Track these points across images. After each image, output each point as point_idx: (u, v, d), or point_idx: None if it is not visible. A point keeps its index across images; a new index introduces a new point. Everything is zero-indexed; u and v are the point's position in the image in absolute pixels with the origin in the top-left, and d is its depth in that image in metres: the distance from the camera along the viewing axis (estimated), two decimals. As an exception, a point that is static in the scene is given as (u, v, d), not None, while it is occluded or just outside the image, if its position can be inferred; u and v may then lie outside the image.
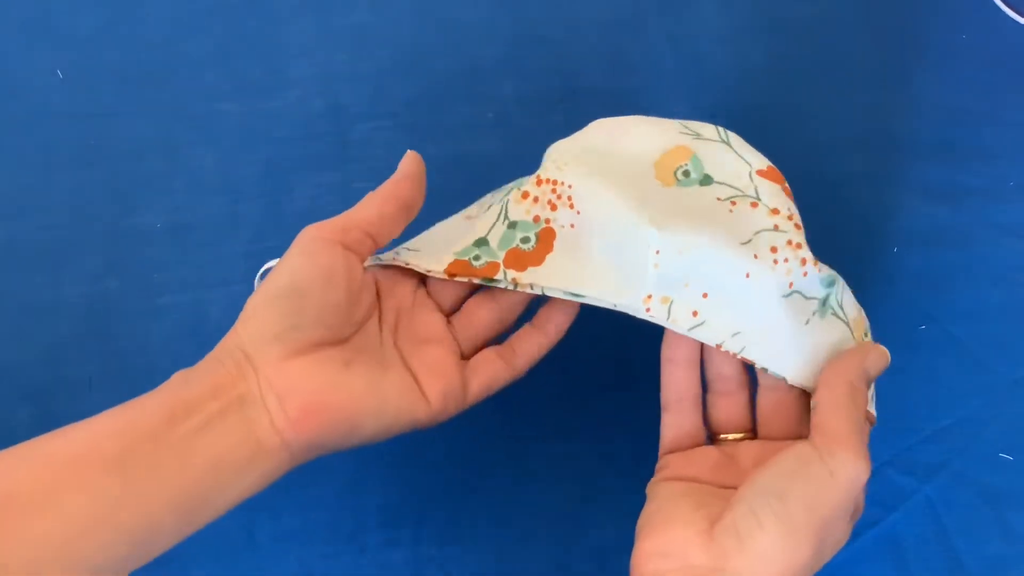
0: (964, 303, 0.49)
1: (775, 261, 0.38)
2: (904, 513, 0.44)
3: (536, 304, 0.43)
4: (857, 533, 0.43)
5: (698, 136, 0.42)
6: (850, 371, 0.36)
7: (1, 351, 0.49)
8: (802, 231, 0.39)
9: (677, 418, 0.40)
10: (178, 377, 0.35)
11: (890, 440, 0.46)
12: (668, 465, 0.39)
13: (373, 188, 0.53)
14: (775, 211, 0.39)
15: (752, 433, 0.40)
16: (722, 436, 0.40)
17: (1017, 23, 0.60)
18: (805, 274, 0.39)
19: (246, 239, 0.52)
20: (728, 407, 0.40)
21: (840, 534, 0.35)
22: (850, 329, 0.39)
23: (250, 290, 0.50)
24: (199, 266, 0.51)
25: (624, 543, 0.44)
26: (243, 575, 0.43)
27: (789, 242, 0.39)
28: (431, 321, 0.41)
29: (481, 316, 0.42)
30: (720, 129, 0.42)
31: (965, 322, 0.49)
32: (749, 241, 0.38)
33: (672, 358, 0.40)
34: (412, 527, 0.44)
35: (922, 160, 0.55)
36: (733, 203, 0.40)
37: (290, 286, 0.35)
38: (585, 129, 0.43)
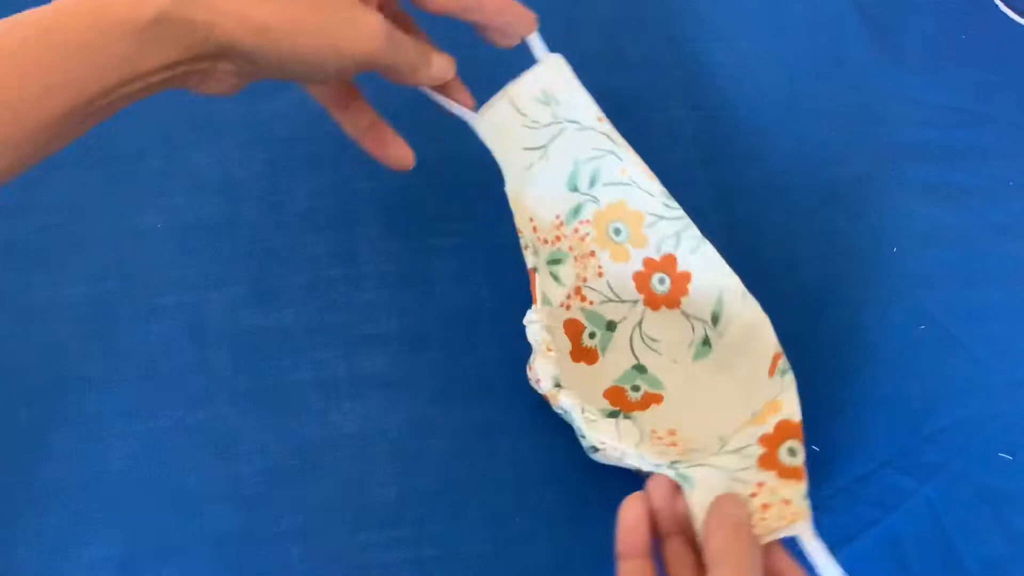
0: (963, 303, 0.49)
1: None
2: (904, 513, 0.44)
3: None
4: (857, 533, 0.44)
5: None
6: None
7: (1, 351, 0.49)
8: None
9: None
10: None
11: (890, 440, 0.46)
12: None
13: (373, 188, 0.53)
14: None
15: None
16: None
17: (1017, 23, 0.60)
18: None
19: (246, 239, 0.52)
20: None
21: None
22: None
23: (250, 290, 0.51)
24: (199, 266, 0.51)
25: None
26: (243, 575, 0.43)
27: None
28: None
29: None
30: None
31: (964, 322, 0.49)
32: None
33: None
34: (412, 527, 0.44)
35: (922, 160, 0.55)
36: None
37: None
38: None
